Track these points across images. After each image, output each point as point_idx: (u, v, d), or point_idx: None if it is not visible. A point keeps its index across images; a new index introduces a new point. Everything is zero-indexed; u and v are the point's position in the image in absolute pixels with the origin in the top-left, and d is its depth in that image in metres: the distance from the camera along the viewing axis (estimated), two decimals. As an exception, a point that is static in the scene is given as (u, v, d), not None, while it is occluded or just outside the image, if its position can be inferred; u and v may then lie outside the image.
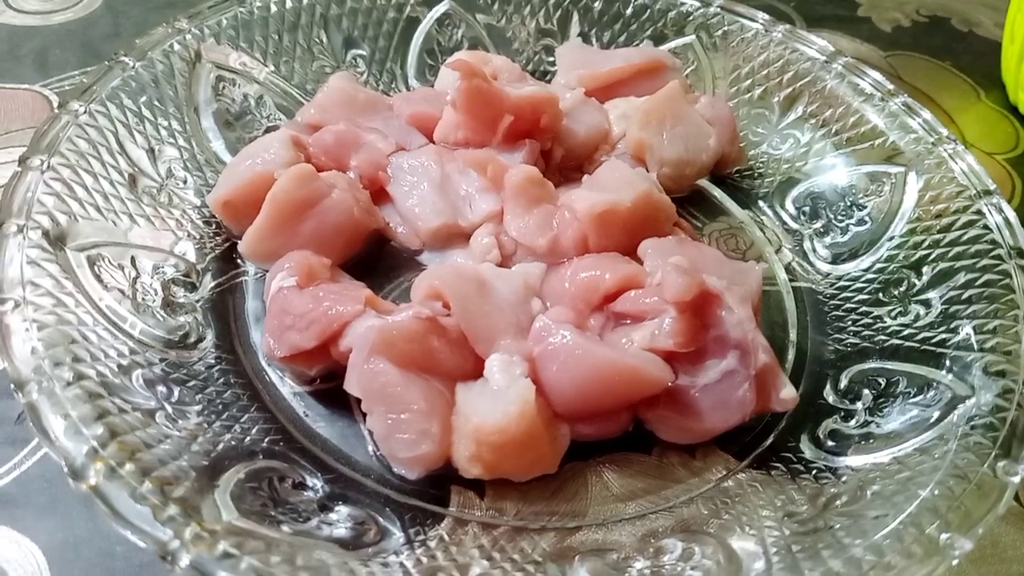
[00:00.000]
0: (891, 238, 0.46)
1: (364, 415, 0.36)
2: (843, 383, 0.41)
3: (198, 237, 0.43)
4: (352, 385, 0.36)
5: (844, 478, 0.36)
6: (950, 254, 0.43)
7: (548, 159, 0.48)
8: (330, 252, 0.41)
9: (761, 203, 0.52)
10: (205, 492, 0.31)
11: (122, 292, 0.38)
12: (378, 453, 0.37)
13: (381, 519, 0.34)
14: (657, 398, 0.37)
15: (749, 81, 0.55)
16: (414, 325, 0.36)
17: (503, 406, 0.34)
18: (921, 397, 0.39)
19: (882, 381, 0.41)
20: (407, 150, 0.46)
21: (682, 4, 0.56)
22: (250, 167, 0.43)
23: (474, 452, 0.34)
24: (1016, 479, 0.33)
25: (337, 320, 0.37)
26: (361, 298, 0.37)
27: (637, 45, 0.56)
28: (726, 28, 0.55)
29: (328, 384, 0.39)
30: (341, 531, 0.32)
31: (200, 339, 0.39)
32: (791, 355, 0.44)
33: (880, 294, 0.45)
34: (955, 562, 0.30)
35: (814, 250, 0.49)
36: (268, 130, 0.49)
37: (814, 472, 0.37)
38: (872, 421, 0.39)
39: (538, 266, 0.42)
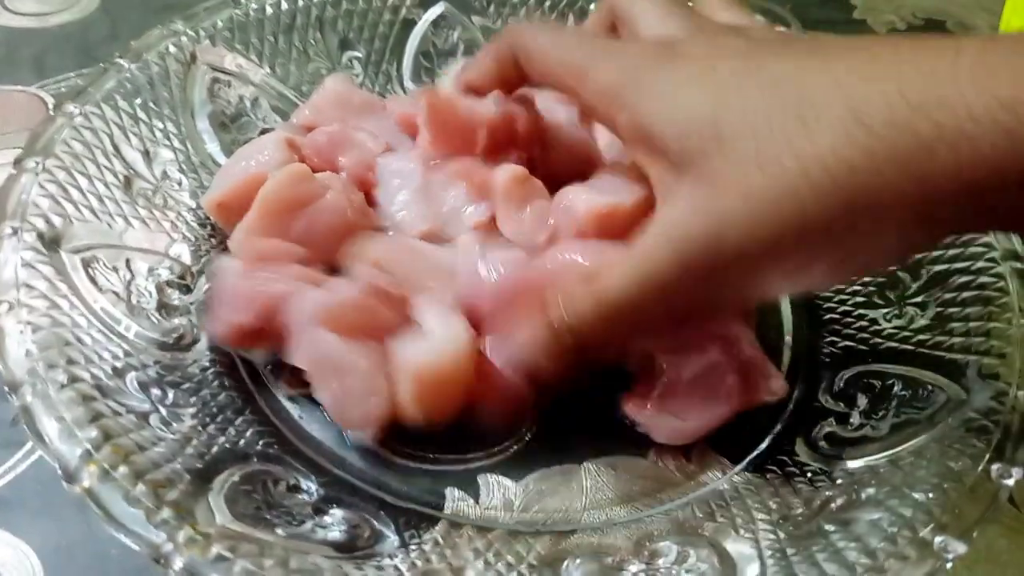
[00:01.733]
0: (886, 240, 0.46)
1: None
2: (838, 386, 0.41)
3: (193, 239, 0.43)
4: (296, 358, 0.36)
5: (839, 481, 0.36)
6: (945, 257, 0.43)
7: (537, 165, 0.47)
8: (322, 253, 0.41)
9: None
10: (199, 495, 0.31)
11: (116, 294, 0.38)
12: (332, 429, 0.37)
13: (375, 522, 0.34)
14: (645, 398, 0.37)
15: (745, 84, 0.54)
16: (352, 293, 0.37)
17: (438, 338, 0.35)
18: (916, 400, 0.39)
19: (877, 384, 0.41)
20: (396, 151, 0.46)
21: (678, 7, 0.56)
22: (244, 168, 0.43)
23: (415, 392, 0.35)
24: (1010, 482, 0.33)
25: (274, 297, 0.37)
26: (295, 275, 0.38)
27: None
28: (722, 31, 0.55)
29: (323, 387, 0.39)
30: (335, 534, 0.32)
31: (194, 341, 0.39)
32: (786, 358, 0.44)
33: (875, 296, 0.45)
34: (949, 565, 0.30)
35: (809, 252, 0.49)
36: (264, 132, 0.49)
37: (809, 475, 0.37)
38: (867, 424, 0.39)
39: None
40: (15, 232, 0.36)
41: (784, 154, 0.28)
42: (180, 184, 0.45)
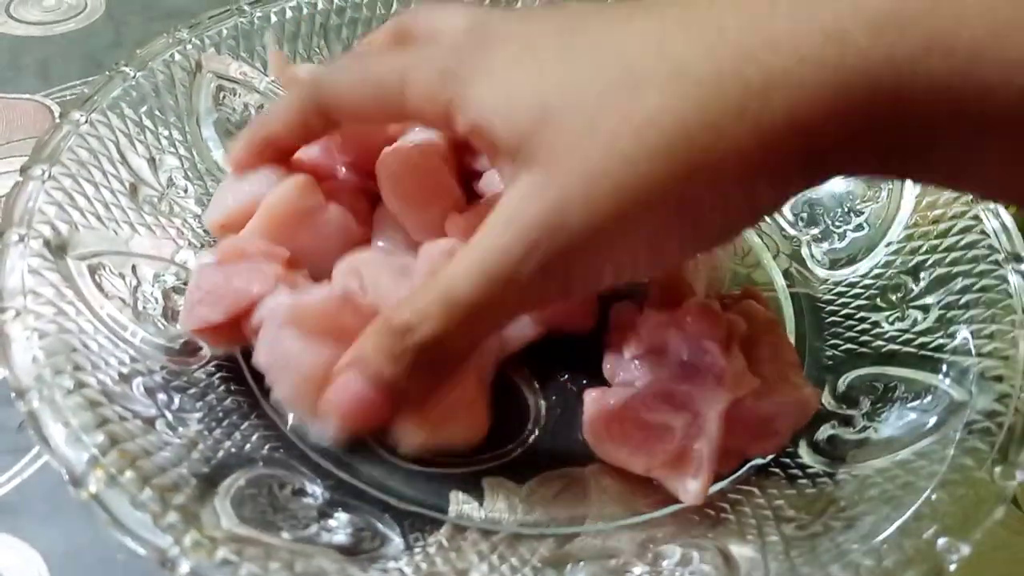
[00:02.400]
0: (888, 244, 0.46)
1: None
2: (841, 388, 0.41)
3: (199, 246, 0.43)
4: (259, 358, 0.35)
5: (842, 483, 0.36)
6: (947, 259, 0.43)
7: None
8: (326, 266, 0.40)
9: (759, 209, 0.52)
10: (205, 499, 0.31)
11: (123, 301, 0.38)
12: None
13: (380, 525, 0.34)
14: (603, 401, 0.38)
15: (747, 88, 0.55)
16: (326, 300, 0.36)
17: None
18: (919, 402, 0.39)
19: (880, 386, 0.41)
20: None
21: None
22: (248, 192, 0.41)
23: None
24: (1013, 484, 0.33)
25: (246, 298, 0.36)
26: (271, 276, 0.37)
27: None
28: (724, 35, 0.55)
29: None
30: (340, 537, 0.33)
31: (200, 347, 0.39)
32: (789, 360, 0.44)
33: (878, 299, 0.45)
34: (953, 567, 0.30)
35: (812, 256, 0.49)
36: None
37: (812, 477, 0.37)
38: (870, 426, 0.39)
39: None
40: (21, 239, 0.36)
41: (615, 124, 0.27)
42: (186, 191, 0.45)
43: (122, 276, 0.39)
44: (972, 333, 0.40)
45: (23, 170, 0.39)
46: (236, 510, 0.31)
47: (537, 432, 0.39)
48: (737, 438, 0.36)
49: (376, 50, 0.41)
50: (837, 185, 0.50)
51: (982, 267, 0.42)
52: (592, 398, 0.38)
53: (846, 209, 0.49)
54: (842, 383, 0.42)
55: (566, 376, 0.41)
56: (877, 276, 0.46)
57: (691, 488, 0.35)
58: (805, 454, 0.38)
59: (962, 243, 0.43)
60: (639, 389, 0.37)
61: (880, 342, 0.43)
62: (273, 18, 0.52)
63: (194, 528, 0.29)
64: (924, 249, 0.45)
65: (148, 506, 0.29)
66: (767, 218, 0.51)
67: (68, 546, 0.35)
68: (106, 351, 0.35)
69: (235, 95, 0.50)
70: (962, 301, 0.42)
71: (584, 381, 0.41)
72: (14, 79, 0.58)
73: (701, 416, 0.35)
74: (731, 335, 0.37)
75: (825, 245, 0.49)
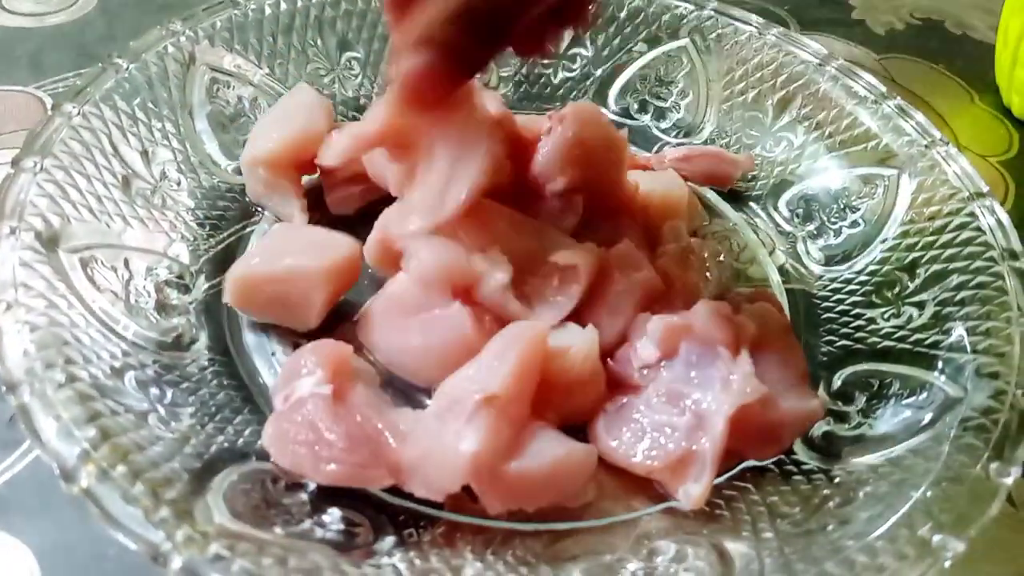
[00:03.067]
0: (884, 240, 0.46)
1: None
2: (836, 385, 0.41)
3: (191, 239, 0.43)
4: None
5: (837, 480, 0.36)
6: (943, 256, 0.43)
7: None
8: (424, 369, 0.39)
9: (754, 205, 0.52)
10: (197, 494, 0.31)
11: (115, 294, 0.38)
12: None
13: (374, 521, 0.34)
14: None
15: (743, 84, 0.55)
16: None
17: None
18: (914, 399, 0.39)
19: (875, 383, 0.41)
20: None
21: (676, 7, 0.56)
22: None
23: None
24: (1008, 481, 0.33)
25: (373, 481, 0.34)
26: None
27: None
28: (720, 31, 0.55)
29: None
30: (334, 533, 0.32)
31: (193, 341, 0.39)
32: (785, 357, 0.44)
33: (873, 296, 0.45)
34: (947, 564, 0.30)
35: (807, 252, 0.49)
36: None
37: (807, 474, 0.37)
38: (865, 423, 0.39)
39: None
40: (13, 232, 0.36)
41: None
42: (179, 184, 0.45)
43: (114, 269, 0.39)
44: (967, 330, 0.40)
45: (15, 162, 0.38)
46: (229, 505, 0.31)
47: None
48: (739, 442, 0.36)
49: None
50: (833, 181, 0.50)
51: (978, 264, 0.42)
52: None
53: (842, 205, 0.49)
54: (837, 379, 0.42)
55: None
56: (873, 272, 0.46)
57: (692, 492, 0.35)
58: (800, 451, 0.38)
59: (958, 240, 0.43)
60: (646, 390, 0.37)
61: (875, 338, 0.43)
62: (267, 10, 0.51)
63: (186, 523, 0.29)
64: (920, 246, 0.45)
65: (140, 501, 0.29)
66: (762, 214, 0.51)
67: (59, 541, 0.35)
68: (98, 345, 0.35)
69: (229, 88, 0.49)
70: (958, 298, 0.42)
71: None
72: (6, 71, 0.57)
73: (706, 421, 0.35)
74: (740, 338, 0.37)
75: (821, 241, 0.49)
